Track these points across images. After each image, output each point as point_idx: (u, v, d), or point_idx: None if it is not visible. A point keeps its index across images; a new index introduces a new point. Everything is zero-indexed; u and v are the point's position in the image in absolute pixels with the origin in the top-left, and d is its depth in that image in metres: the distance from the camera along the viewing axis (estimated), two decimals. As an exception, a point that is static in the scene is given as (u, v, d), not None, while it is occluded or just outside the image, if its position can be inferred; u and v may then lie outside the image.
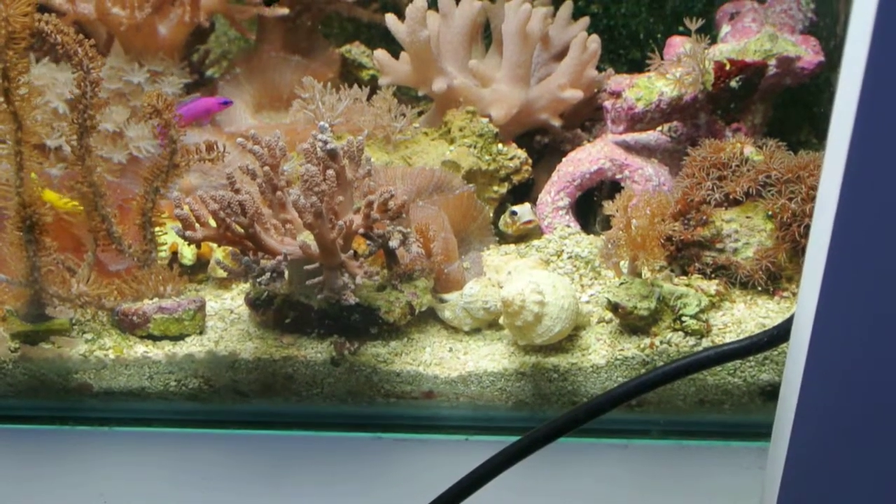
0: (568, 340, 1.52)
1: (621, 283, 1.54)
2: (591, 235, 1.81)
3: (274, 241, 1.45)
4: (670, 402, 1.49)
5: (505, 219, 1.85)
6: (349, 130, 1.89)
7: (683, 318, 1.49)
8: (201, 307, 1.60)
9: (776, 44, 1.85)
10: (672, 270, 1.61)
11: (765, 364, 1.46)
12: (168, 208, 1.63)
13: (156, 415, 1.57)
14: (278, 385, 1.53)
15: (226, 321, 1.62)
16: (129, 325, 1.57)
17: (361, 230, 1.49)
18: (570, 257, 1.72)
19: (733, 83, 1.83)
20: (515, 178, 1.93)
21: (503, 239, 1.87)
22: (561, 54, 2.04)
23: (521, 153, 1.94)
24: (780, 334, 1.08)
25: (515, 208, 1.84)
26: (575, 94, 1.97)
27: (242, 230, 1.42)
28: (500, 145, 1.92)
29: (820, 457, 0.90)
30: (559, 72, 1.99)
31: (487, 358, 1.53)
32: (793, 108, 2.04)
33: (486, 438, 1.52)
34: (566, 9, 2.09)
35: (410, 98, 2.12)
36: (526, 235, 1.85)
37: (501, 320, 1.55)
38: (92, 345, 1.55)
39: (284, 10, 2.07)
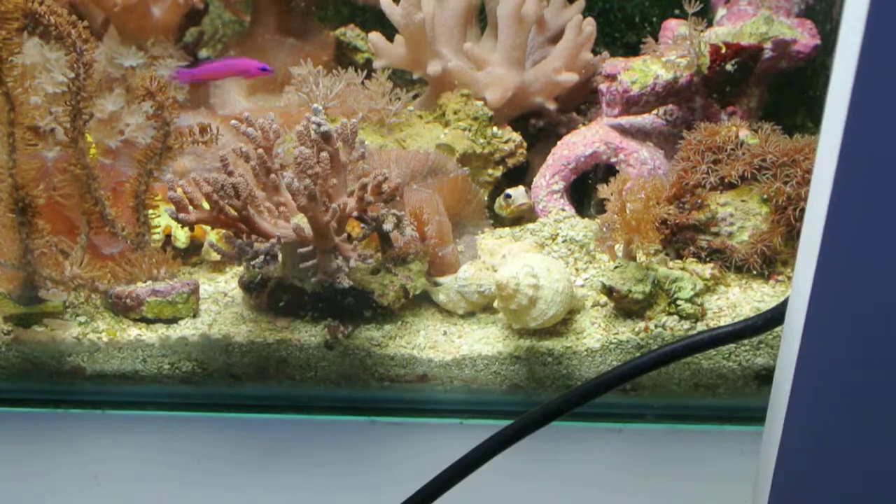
0: (562, 324, 1.52)
1: (616, 267, 1.53)
2: (586, 219, 1.80)
3: (267, 224, 1.45)
4: (665, 385, 1.49)
5: (499, 202, 1.85)
6: (343, 113, 1.88)
7: (678, 302, 1.49)
8: (195, 290, 1.60)
9: (772, 27, 1.85)
10: (667, 254, 1.61)
11: (760, 348, 1.46)
12: (161, 191, 1.63)
13: (149, 398, 1.56)
14: (272, 368, 1.53)
15: (219, 304, 1.61)
16: (123, 308, 1.57)
17: (355, 213, 1.48)
18: (564, 241, 1.72)
19: (729, 66, 1.82)
20: (510, 162, 1.92)
21: (498, 222, 1.86)
22: (556, 37, 2.03)
23: (516, 136, 1.93)
24: (774, 318, 1.08)
25: (510, 191, 1.83)
26: (570, 78, 1.96)
27: (236, 213, 1.42)
28: (494, 128, 1.92)
29: (814, 440, 0.90)
30: (554, 55, 1.99)
31: (482, 341, 1.53)
32: (788, 91, 2.03)
33: (480, 422, 1.52)
34: (561, -9, 2.08)
35: (405, 81, 2.11)
36: (520, 219, 1.85)
37: (496, 304, 1.55)
38: (85, 328, 1.55)
39: (279, -8, 2.07)
